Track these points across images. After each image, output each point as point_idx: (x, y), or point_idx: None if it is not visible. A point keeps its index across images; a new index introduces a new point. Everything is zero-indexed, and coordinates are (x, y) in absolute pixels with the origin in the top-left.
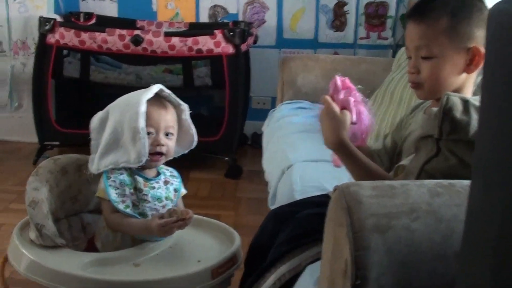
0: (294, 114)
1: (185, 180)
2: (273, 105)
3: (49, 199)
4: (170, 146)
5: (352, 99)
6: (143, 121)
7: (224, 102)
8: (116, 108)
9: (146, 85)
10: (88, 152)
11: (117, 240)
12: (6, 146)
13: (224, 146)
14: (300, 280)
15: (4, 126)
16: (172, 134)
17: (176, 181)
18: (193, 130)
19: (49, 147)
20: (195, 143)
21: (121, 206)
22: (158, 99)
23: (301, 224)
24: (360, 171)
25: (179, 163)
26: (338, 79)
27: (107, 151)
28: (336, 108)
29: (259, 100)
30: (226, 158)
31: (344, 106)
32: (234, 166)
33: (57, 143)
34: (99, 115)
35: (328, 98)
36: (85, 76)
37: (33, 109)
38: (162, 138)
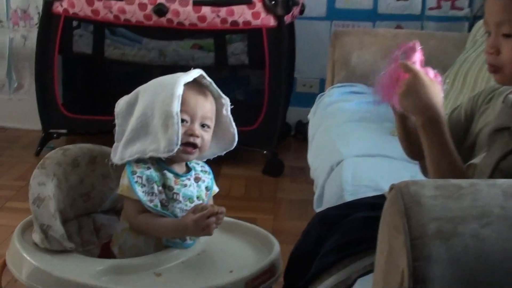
0: (347, 99)
1: (216, 177)
2: (322, 89)
3: (56, 196)
4: (206, 139)
5: (432, 72)
6: (178, 105)
7: (263, 85)
8: (147, 90)
9: (170, 64)
10: (101, 142)
11: (138, 246)
12: (4, 134)
13: (263, 137)
14: None
15: (1, 111)
16: (208, 127)
17: (207, 178)
18: (233, 128)
19: (55, 135)
20: (234, 144)
21: (148, 205)
22: (197, 85)
23: (351, 229)
24: (444, 158)
25: (214, 160)
26: (418, 45)
27: (133, 138)
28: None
29: (305, 82)
30: (265, 152)
31: None
32: (274, 161)
33: (64, 130)
34: (126, 99)
35: (411, 64)
36: (98, 52)
37: (36, 90)
38: (197, 129)
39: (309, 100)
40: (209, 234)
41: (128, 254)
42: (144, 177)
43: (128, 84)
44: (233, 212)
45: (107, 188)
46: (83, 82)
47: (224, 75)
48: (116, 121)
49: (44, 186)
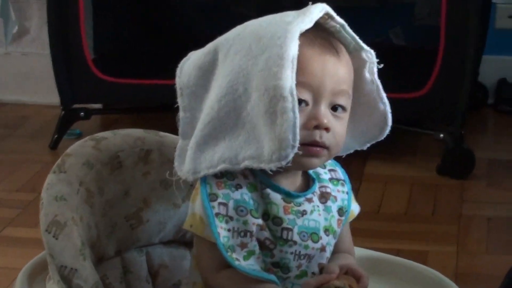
0: None
1: (356, 180)
2: None
3: (85, 218)
4: (339, 132)
5: None
6: (293, 75)
7: (437, 17)
8: (234, 46)
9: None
10: (160, 125)
11: None
12: None
13: (437, 109)
14: None
15: None
16: (344, 109)
17: (341, 192)
18: (384, 103)
19: (82, 114)
20: (387, 130)
21: (238, 256)
22: (319, 33)
23: None
24: None
25: None
26: None
27: (213, 134)
28: None
29: (510, 11)
30: (442, 135)
31: None
32: (457, 151)
33: (98, 105)
34: (195, 61)
35: None
36: None
37: (49, 38)
38: (327, 114)
39: None
40: None
41: None
42: (231, 204)
43: (198, 27)
44: (387, 242)
45: (170, 205)
46: (129, 24)
47: (371, 2)
48: (180, 102)
49: (65, 202)
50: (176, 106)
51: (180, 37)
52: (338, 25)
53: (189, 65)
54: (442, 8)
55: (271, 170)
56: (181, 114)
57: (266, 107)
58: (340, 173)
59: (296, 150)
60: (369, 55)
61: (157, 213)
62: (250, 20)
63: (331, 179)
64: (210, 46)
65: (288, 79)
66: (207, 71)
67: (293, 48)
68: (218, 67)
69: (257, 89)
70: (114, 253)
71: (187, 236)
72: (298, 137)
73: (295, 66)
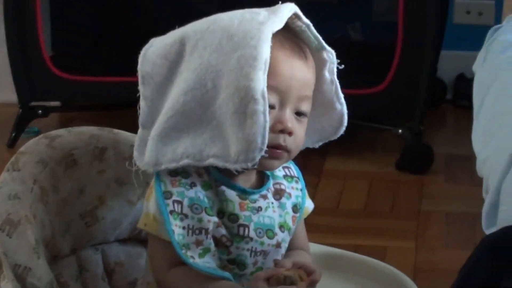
0: None
1: (314, 176)
2: (498, 18)
3: (39, 216)
4: (299, 136)
5: None
6: (265, 78)
7: (395, 13)
8: (203, 39)
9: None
10: (117, 123)
11: None
12: None
13: (396, 106)
14: None
15: None
16: (305, 115)
17: (295, 189)
18: (341, 104)
19: (40, 111)
20: (341, 130)
21: (193, 254)
22: (287, 34)
23: None
24: None
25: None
26: None
27: (177, 127)
28: None
29: (469, 6)
30: (401, 131)
31: None
32: (416, 146)
33: (56, 103)
34: (161, 49)
35: None
36: None
37: (6, 35)
38: (291, 119)
39: (476, 39)
40: None
41: None
42: (185, 202)
43: (157, 24)
44: (347, 238)
45: (126, 203)
46: (85, 21)
47: None
48: (142, 89)
49: (19, 200)
50: (137, 93)
51: (138, 35)
52: (304, 25)
53: (153, 52)
54: (399, 4)
55: (221, 171)
56: (142, 102)
57: (235, 107)
58: (294, 170)
59: (263, 153)
60: (330, 55)
61: (112, 210)
62: (217, 14)
63: (285, 176)
64: (175, 36)
65: (261, 81)
66: (172, 62)
67: (266, 49)
68: (185, 59)
69: (227, 88)
70: (69, 251)
71: (143, 234)
72: (266, 141)
73: (267, 68)
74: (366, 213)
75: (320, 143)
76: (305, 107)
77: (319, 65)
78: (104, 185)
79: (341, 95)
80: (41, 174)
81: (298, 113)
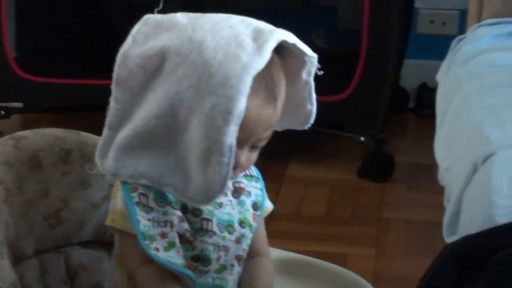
0: (502, 47)
1: (276, 182)
2: (462, 29)
3: (3, 217)
4: (254, 158)
5: None
6: (235, 132)
7: (360, 21)
8: (182, 66)
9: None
10: (82, 126)
11: None
12: None
13: (359, 113)
14: None
15: None
16: (265, 140)
17: (255, 189)
18: (312, 105)
19: (2, 112)
20: (308, 125)
21: (158, 246)
22: (263, 78)
23: (506, 274)
24: None
25: (266, 146)
26: None
27: (142, 144)
28: None
29: (433, 16)
30: (363, 138)
31: None
32: (378, 154)
33: (19, 104)
34: (140, 55)
35: None
36: None
37: None
38: (244, 155)
39: (439, 48)
40: None
41: None
42: (151, 196)
43: (130, 24)
44: (308, 245)
45: (88, 205)
46: (50, 23)
47: (295, 5)
48: (114, 92)
49: None
50: (108, 97)
51: (105, 38)
52: (290, 44)
53: (132, 59)
54: (364, 12)
55: None
56: (112, 103)
57: (202, 151)
58: (254, 170)
59: (220, 194)
60: (312, 59)
61: (76, 213)
62: (202, 29)
63: (245, 175)
64: (156, 48)
65: (231, 135)
66: (149, 76)
67: (242, 102)
68: (162, 77)
69: (197, 129)
70: (33, 253)
71: (106, 236)
72: (225, 188)
73: (240, 120)
74: (327, 219)
75: (284, 129)
76: (264, 140)
77: (298, 65)
78: (69, 187)
79: (314, 96)
80: (6, 175)
81: (255, 147)
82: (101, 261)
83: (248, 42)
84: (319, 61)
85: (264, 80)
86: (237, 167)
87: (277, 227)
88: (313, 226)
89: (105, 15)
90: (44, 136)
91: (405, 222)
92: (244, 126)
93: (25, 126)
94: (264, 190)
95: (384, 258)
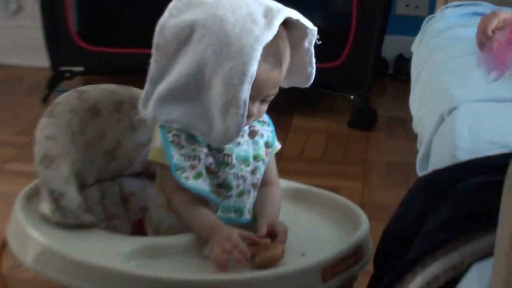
0: (466, 23)
1: (284, 131)
2: (432, 10)
3: (71, 153)
4: (263, 111)
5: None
6: (249, 89)
7: (350, 4)
8: (207, 36)
9: None
10: (130, 84)
11: (178, 227)
12: (0, 73)
13: (349, 77)
14: (462, 286)
15: None
16: (272, 96)
17: (266, 131)
18: (312, 67)
19: (67, 74)
20: (308, 84)
21: (188, 175)
22: (271, 48)
23: (466, 199)
24: None
25: (275, 103)
26: None
27: (176, 96)
28: None
29: (407, 1)
30: (352, 97)
31: None
32: (364, 109)
33: (80, 68)
34: (174, 28)
35: None
36: None
37: (41, 14)
38: (256, 107)
39: (413, 26)
40: (215, 265)
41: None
42: (183, 136)
43: (166, 3)
44: (309, 178)
45: (137, 144)
46: (106, 2)
47: None
48: (154, 55)
49: (55, 140)
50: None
51: (151, 11)
52: (295, 20)
53: (168, 29)
54: None
55: None
56: (152, 64)
57: (223, 103)
58: (266, 117)
59: (236, 139)
60: (313, 31)
61: (127, 151)
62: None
63: (259, 121)
64: (187, 21)
65: (245, 92)
66: (180, 42)
67: (254, 66)
68: (191, 44)
69: (218, 86)
70: (94, 181)
71: (151, 169)
72: (241, 132)
73: (252, 80)
74: (323, 160)
75: (290, 86)
76: (271, 95)
77: (301, 36)
78: (121, 131)
79: (314, 60)
80: (72, 120)
81: (264, 100)
82: (148, 188)
83: (260, 18)
84: (319, 36)
85: (272, 49)
86: (250, 116)
87: (284, 166)
88: (313, 165)
89: None
90: (102, 90)
91: (385, 162)
92: (255, 85)
93: (86, 85)
94: (274, 132)
95: (368, 190)
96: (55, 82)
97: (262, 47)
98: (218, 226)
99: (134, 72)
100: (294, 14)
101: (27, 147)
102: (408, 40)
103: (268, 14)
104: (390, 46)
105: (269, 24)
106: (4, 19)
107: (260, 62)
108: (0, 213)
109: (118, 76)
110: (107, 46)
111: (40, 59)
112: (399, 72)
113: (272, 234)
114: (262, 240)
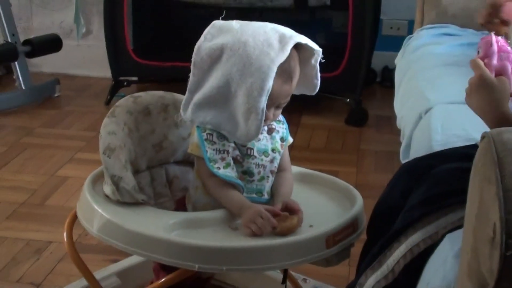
0: (437, 42)
1: (294, 127)
2: (410, 31)
3: (128, 145)
4: (278, 115)
5: (510, 66)
6: (266, 100)
7: (347, 27)
8: (234, 56)
9: (246, 6)
10: (174, 90)
11: (211, 204)
12: (73, 82)
13: (346, 84)
14: (437, 252)
15: (70, 58)
16: (285, 103)
17: (281, 128)
18: (318, 80)
19: (125, 83)
20: (314, 93)
21: (219, 165)
22: (284, 68)
23: (440, 181)
24: None
25: (288, 105)
26: (494, 38)
27: (209, 103)
28: (492, 75)
29: (392, 24)
30: (348, 100)
31: (500, 73)
32: (357, 109)
33: (135, 78)
34: (208, 50)
35: (480, 62)
36: None
37: (105, 35)
38: (271, 113)
39: (396, 44)
40: (248, 233)
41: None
42: (215, 134)
43: (201, 28)
44: (314, 165)
45: (180, 138)
46: (155, 26)
47: (303, 17)
48: (192, 70)
49: (115, 135)
50: (188, 72)
51: (190, 34)
52: (303, 44)
53: (204, 49)
54: (349, 22)
55: None
56: (191, 77)
57: (245, 110)
58: (281, 117)
59: (255, 138)
60: (319, 52)
61: (172, 143)
62: (249, 33)
63: (275, 121)
64: (219, 43)
65: (263, 102)
66: (213, 61)
67: (270, 82)
68: (221, 63)
69: (242, 97)
70: (145, 168)
71: (191, 158)
72: (260, 132)
73: (268, 93)
74: (326, 150)
75: (299, 93)
76: (284, 103)
77: (309, 55)
78: (167, 127)
79: (319, 75)
80: (129, 119)
81: (278, 106)
82: (188, 173)
83: (275, 43)
84: (322, 52)
85: (284, 68)
86: (267, 119)
87: (295, 154)
88: (317, 154)
89: (187, 20)
90: (152, 95)
91: (375, 152)
92: (271, 96)
93: (139, 91)
94: (287, 129)
95: (361, 174)
96: (115, 89)
97: (277, 67)
98: (246, 204)
99: (177, 81)
100: (303, 39)
101: (93, 140)
102: (392, 55)
103: (282, 39)
104: (378, 59)
105: (282, 48)
106: (76, 40)
107: (275, 79)
108: (72, 192)
109: (165, 84)
110: (156, 60)
111: (104, 71)
112: (385, 80)
113: (286, 210)
114: (282, 213)
